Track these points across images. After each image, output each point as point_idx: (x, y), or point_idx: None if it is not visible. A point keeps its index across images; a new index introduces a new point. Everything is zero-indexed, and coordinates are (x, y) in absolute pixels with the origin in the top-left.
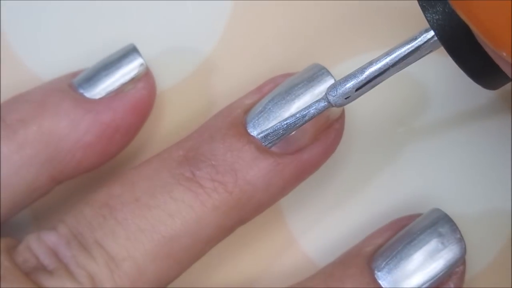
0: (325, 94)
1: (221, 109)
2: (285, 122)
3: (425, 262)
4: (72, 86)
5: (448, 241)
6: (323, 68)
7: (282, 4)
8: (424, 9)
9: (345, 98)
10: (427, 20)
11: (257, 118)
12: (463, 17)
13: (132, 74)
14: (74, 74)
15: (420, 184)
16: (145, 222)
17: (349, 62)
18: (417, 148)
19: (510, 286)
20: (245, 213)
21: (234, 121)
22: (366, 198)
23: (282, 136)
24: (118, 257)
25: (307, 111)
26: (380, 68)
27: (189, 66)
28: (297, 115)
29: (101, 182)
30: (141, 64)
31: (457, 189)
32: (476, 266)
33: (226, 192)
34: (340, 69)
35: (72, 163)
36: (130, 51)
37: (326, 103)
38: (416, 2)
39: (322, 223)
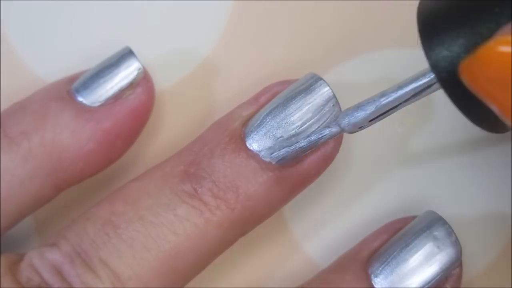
0: (338, 121)
1: (219, 120)
2: (298, 146)
3: (421, 266)
4: (71, 94)
5: (444, 244)
6: (320, 79)
7: (282, 4)
8: (427, 57)
9: (358, 127)
10: (430, 67)
11: (256, 132)
12: (471, 88)
13: (130, 79)
14: (72, 79)
15: (421, 185)
16: (151, 241)
17: (349, 62)
18: (417, 149)
19: (510, 287)
20: (247, 226)
21: (233, 134)
22: (367, 198)
23: (293, 159)
24: (124, 276)
25: (320, 135)
26: (392, 102)
27: (188, 66)
28: (311, 138)
29: (101, 183)
30: (139, 68)
31: (458, 190)
32: (476, 266)
33: (229, 208)
34: (340, 69)
35: (75, 171)
36: (126, 55)
37: (339, 129)
38: (417, 2)
39: (325, 225)
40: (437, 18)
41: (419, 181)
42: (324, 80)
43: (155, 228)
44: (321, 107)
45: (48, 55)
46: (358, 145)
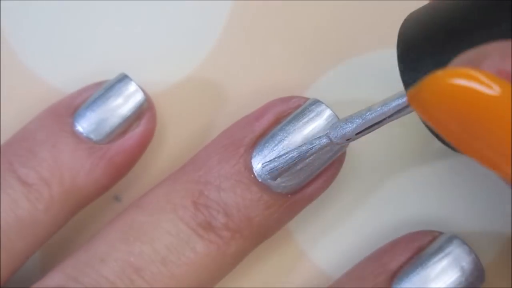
0: (327, 133)
1: (220, 140)
2: (289, 156)
3: None
4: (78, 131)
5: (471, 276)
6: (331, 113)
7: (282, 4)
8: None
9: (346, 140)
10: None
11: (265, 166)
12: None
13: (135, 112)
14: (71, 106)
15: (423, 186)
16: (174, 281)
17: (349, 62)
18: (418, 150)
19: (510, 287)
20: (257, 246)
21: (241, 165)
22: (369, 203)
23: (285, 170)
24: None
25: (310, 146)
26: (377, 117)
27: (188, 66)
28: (302, 149)
29: None
30: (143, 100)
31: (458, 189)
32: None
33: (242, 238)
34: (340, 69)
35: (89, 202)
36: (128, 85)
37: (328, 140)
38: (417, 1)
39: (329, 231)
40: (409, 45)
41: (420, 182)
42: (335, 115)
43: (179, 268)
44: (329, 144)
45: (48, 55)
46: (360, 151)
